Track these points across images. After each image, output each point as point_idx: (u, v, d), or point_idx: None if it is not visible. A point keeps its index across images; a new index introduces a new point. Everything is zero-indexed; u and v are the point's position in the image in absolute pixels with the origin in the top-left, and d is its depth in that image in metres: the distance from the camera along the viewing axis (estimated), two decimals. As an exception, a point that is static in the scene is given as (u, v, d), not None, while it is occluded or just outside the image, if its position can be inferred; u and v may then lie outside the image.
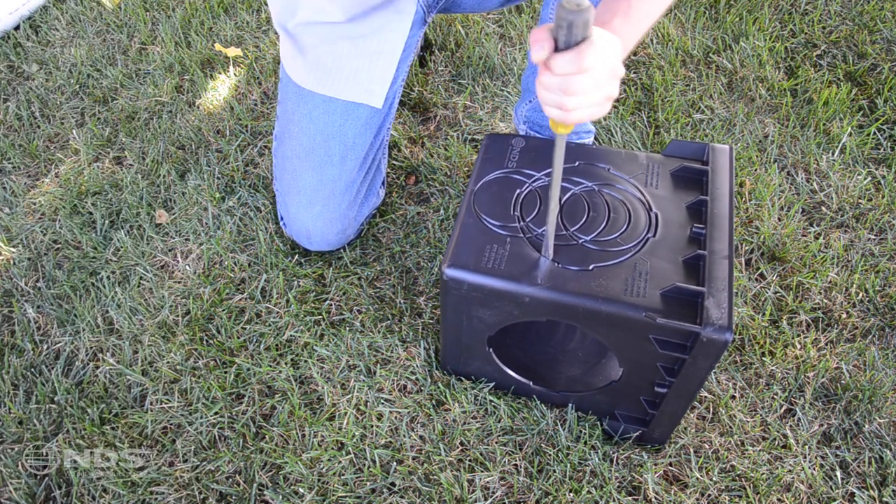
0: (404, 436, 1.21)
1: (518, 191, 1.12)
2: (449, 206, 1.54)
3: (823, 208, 1.54)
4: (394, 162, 1.65)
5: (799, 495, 1.15)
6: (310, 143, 1.35)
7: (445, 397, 1.24)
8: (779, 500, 1.14)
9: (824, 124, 1.70)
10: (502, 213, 1.09)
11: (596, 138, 1.63)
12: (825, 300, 1.39)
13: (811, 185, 1.59)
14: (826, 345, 1.33)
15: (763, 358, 1.30)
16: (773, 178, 1.58)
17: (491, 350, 1.16)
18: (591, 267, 1.00)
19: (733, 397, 1.26)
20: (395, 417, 1.23)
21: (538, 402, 1.23)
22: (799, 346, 1.32)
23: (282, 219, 1.47)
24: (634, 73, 1.84)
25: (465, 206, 1.10)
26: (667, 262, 1.00)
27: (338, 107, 1.34)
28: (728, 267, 0.97)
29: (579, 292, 0.98)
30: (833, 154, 1.64)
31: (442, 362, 1.27)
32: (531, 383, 1.20)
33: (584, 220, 1.07)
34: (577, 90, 0.80)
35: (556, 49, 0.78)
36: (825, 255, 1.45)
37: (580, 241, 1.04)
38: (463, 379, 1.27)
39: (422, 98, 1.78)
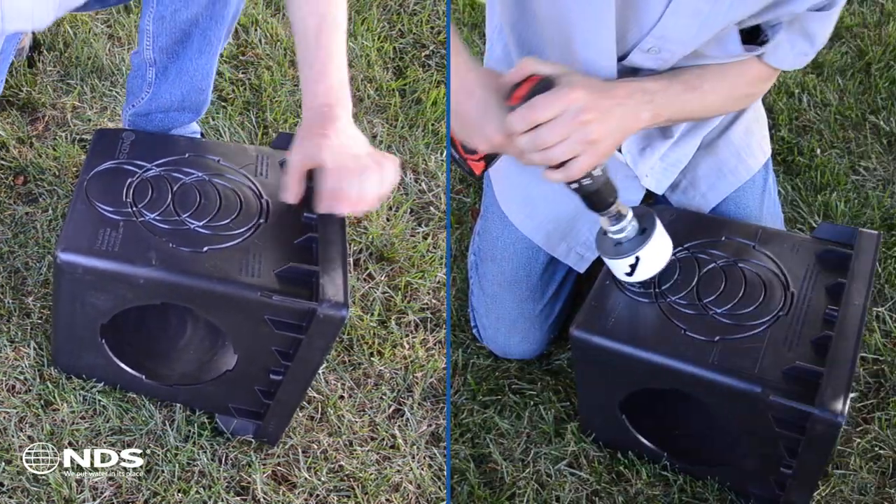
0: (13, 436, 1.15)
1: (130, 180, 1.14)
2: (58, 206, 1.48)
3: (432, 208, 1.60)
4: (1, 162, 1.54)
5: (407, 495, 1.18)
6: None
7: (54, 397, 1.20)
8: (387, 500, 1.17)
9: (433, 125, 1.73)
10: (115, 200, 1.10)
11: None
12: (434, 300, 1.43)
13: (419, 185, 1.63)
14: (435, 345, 1.36)
15: (372, 358, 1.32)
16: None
17: (104, 341, 1.14)
18: (204, 249, 1.05)
19: (342, 397, 1.27)
20: (4, 418, 1.17)
21: (146, 402, 1.21)
22: (408, 347, 1.35)
23: None
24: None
25: (77, 195, 1.10)
26: (281, 245, 1.07)
27: None
28: (341, 246, 1.05)
29: (194, 272, 1.03)
30: (440, 154, 1.67)
31: (54, 358, 1.22)
32: (144, 378, 1.18)
33: (195, 207, 1.11)
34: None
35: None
36: (434, 256, 1.51)
37: (192, 227, 1.09)
38: (73, 378, 1.23)
39: (30, 98, 1.69)
